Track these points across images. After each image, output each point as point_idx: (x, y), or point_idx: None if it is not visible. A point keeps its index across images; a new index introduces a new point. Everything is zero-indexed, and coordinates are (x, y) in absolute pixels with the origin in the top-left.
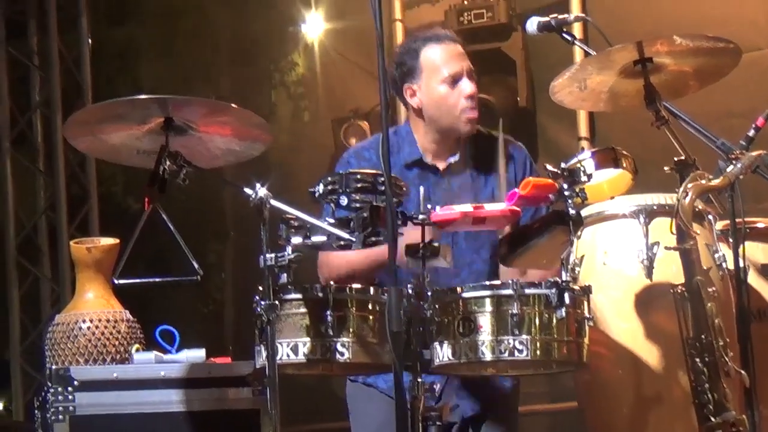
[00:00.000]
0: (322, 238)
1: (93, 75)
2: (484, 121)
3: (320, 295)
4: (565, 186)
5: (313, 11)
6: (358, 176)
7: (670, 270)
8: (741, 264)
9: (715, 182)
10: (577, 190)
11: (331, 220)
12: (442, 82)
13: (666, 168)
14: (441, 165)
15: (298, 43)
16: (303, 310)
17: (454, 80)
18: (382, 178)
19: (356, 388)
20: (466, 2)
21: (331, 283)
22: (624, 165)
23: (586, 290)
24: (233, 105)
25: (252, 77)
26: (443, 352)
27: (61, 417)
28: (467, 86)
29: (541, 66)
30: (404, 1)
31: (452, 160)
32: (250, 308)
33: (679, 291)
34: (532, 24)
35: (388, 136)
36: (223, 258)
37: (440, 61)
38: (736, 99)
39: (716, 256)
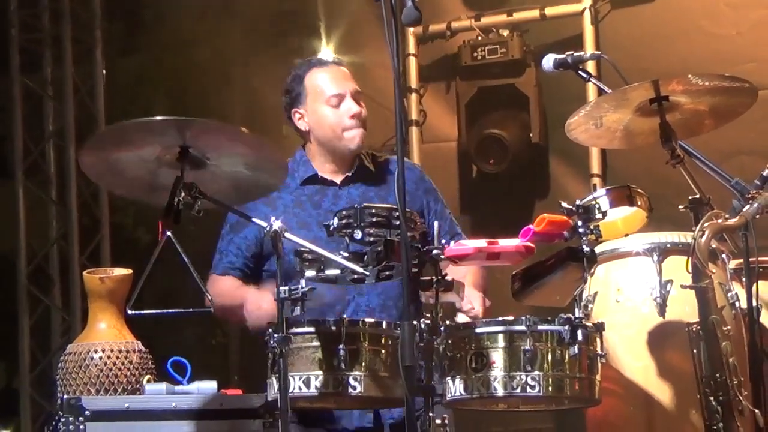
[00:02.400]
0: (336, 272)
1: (106, 105)
2: (496, 156)
3: (333, 328)
4: (580, 223)
5: (324, 45)
6: (373, 210)
7: (683, 308)
8: (754, 303)
9: (732, 222)
10: (592, 227)
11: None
12: (325, 104)
13: (680, 206)
14: (338, 179)
15: None
16: (316, 343)
17: (339, 101)
18: (397, 213)
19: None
20: (480, 38)
21: (344, 316)
22: (639, 203)
23: (599, 327)
24: (250, 132)
25: (263, 109)
26: (455, 387)
27: None
28: (351, 106)
29: (553, 102)
30: (418, 36)
31: (349, 173)
32: (256, 340)
33: (693, 330)
34: (549, 61)
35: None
36: None
37: (323, 84)
38: (748, 137)
39: (729, 294)
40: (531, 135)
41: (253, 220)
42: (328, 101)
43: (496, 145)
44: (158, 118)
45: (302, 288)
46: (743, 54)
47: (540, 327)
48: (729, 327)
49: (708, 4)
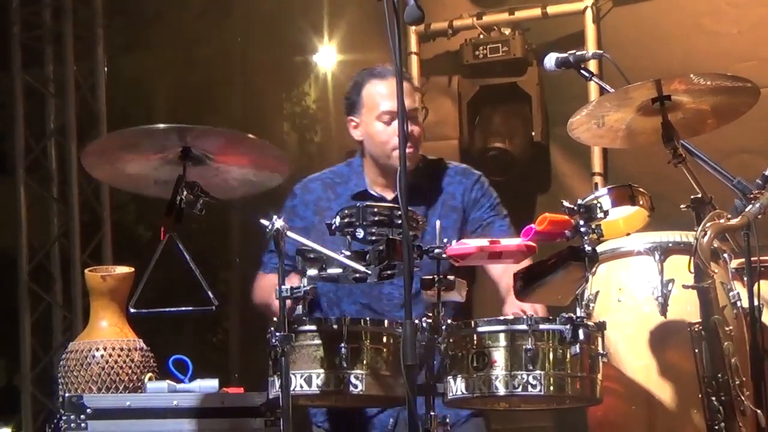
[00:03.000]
0: (338, 270)
1: (108, 103)
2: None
3: (335, 327)
4: (582, 222)
5: (326, 43)
6: (375, 209)
7: (685, 308)
8: (755, 302)
9: (734, 222)
10: (593, 226)
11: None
12: (377, 119)
13: (682, 206)
14: (389, 196)
15: (310, 75)
16: (317, 341)
17: (392, 118)
18: (399, 212)
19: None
20: (481, 36)
21: (346, 315)
22: (640, 202)
23: (601, 326)
24: (251, 136)
25: (264, 108)
26: (456, 386)
27: None
28: None
29: (555, 101)
30: (420, 34)
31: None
32: (258, 338)
33: (695, 329)
34: (550, 60)
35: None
36: (231, 287)
37: (379, 98)
38: (750, 135)
39: (731, 294)
40: (533, 134)
41: (257, 219)
42: (380, 117)
43: (500, 156)
44: (160, 126)
45: (304, 287)
46: (744, 52)
47: (541, 326)
48: (731, 327)
49: (709, 3)
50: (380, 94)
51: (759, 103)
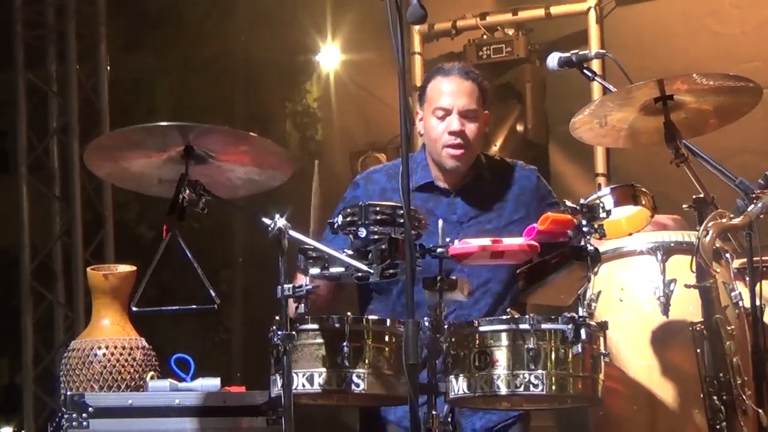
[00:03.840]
0: (340, 269)
1: (110, 102)
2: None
3: (337, 326)
4: (584, 222)
5: (329, 43)
6: (377, 208)
7: (687, 307)
8: (757, 302)
9: (736, 221)
10: (596, 226)
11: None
12: (432, 113)
13: (684, 206)
14: (453, 187)
15: (313, 74)
16: (319, 340)
17: (444, 115)
18: (401, 211)
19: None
20: (485, 36)
21: (348, 314)
22: (643, 202)
23: (603, 326)
24: (253, 134)
25: (267, 106)
26: (459, 385)
27: None
28: (453, 123)
29: (557, 100)
30: (423, 34)
31: (463, 183)
32: (260, 337)
33: (697, 329)
34: (553, 60)
35: (408, 167)
36: (233, 286)
37: (437, 94)
38: (752, 135)
39: (733, 294)
40: (523, 130)
41: (260, 217)
42: (435, 112)
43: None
44: (162, 124)
45: (306, 286)
46: (748, 53)
47: (544, 326)
48: (733, 326)
49: (713, 4)
50: (439, 90)
51: (762, 104)
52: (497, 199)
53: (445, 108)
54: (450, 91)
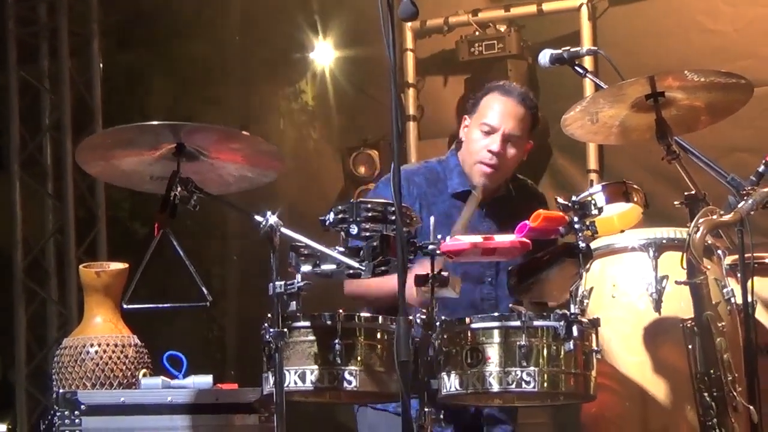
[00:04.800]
0: (332, 267)
1: (103, 98)
2: None
3: (329, 323)
4: (576, 219)
5: (322, 40)
6: (369, 205)
7: (679, 304)
8: (749, 299)
9: (727, 218)
10: (588, 223)
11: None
12: (478, 127)
13: (676, 202)
14: (485, 199)
15: (307, 72)
16: (311, 338)
17: (489, 132)
18: (393, 208)
19: (375, 416)
20: (477, 33)
21: (340, 311)
22: (635, 199)
23: (595, 323)
24: (244, 132)
25: (261, 104)
26: (450, 383)
27: None
28: (494, 143)
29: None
30: (415, 30)
31: (495, 197)
32: (254, 335)
33: (688, 325)
34: (545, 56)
35: (399, 167)
36: (227, 283)
37: (489, 109)
38: (745, 133)
39: (725, 290)
40: None
41: (251, 215)
42: (481, 126)
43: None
44: (153, 122)
45: (298, 283)
46: (740, 51)
47: (535, 322)
48: (724, 323)
49: (706, 2)
50: (492, 107)
51: (756, 102)
52: (519, 217)
53: (492, 126)
54: (502, 111)
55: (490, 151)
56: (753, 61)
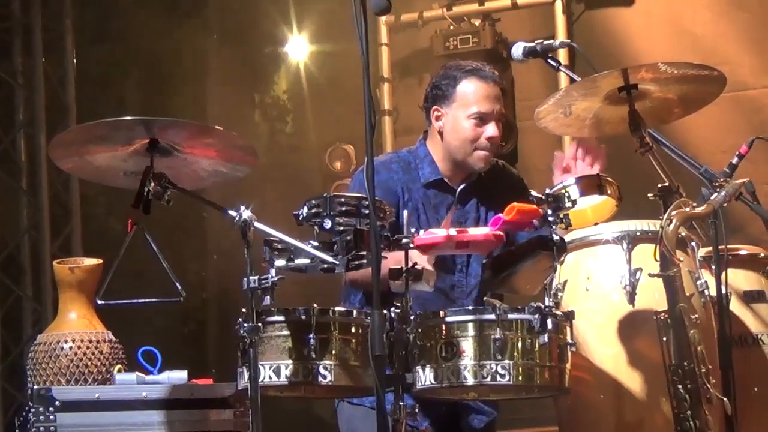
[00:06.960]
0: (306, 261)
1: (77, 95)
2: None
3: (303, 317)
4: (550, 212)
5: (296, 34)
6: (343, 199)
7: (653, 296)
8: (723, 291)
9: (699, 210)
10: (561, 216)
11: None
12: (469, 117)
13: (650, 195)
14: (456, 184)
15: (281, 65)
16: (286, 332)
17: (483, 120)
18: (366, 202)
19: (351, 410)
20: (452, 27)
21: (314, 305)
22: (608, 192)
23: (569, 316)
24: (218, 127)
25: (235, 98)
26: (425, 376)
27: None
28: (492, 130)
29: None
30: (390, 25)
31: (467, 183)
32: (231, 329)
33: (662, 318)
34: (518, 49)
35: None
36: (204, 278)
37: (474, 97)
38: (724, 137)
39: (698, 282)
40: None
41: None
42: (472, 116)
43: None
44: (126, 118)
45: (271, 277)
46: (719, 54)
47: (510, 316)
48: (697, 315)
49: (686, 5)
50: (478, 95)
51: (737, 106)
52: (493, 198)
53: (485, 113)
54: (489, 96)
55: (489, 138)
56: (732, 66)
